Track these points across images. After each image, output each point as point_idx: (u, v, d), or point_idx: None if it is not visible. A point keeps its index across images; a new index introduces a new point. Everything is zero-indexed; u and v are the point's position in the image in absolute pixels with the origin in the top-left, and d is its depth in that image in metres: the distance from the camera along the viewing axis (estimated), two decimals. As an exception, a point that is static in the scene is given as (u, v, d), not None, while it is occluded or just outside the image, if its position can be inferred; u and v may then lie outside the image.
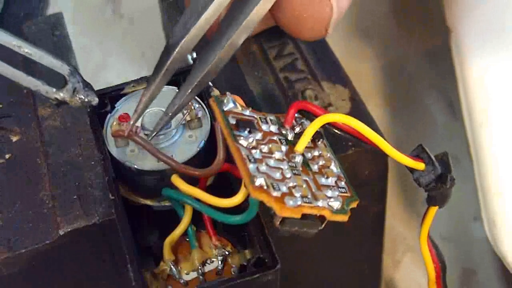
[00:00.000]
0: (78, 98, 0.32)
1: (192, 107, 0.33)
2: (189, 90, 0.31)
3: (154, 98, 0.31)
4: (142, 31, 0.57)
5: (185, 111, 0.33)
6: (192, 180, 0.31)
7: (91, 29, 0.57)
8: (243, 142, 0.28)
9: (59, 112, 0.35)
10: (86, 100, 0.32)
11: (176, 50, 0.30)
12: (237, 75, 0.38)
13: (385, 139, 0.29)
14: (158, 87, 0.31)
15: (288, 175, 0.27)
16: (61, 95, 0.32)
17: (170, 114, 0.31)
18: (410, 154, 0.30)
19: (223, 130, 0.28)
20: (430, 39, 0.57)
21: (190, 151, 0.32)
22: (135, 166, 0.31)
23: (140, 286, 0.29)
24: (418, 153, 0.30)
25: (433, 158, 0.29)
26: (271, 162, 0.27)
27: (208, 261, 0.31)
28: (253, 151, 0.27)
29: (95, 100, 0.32)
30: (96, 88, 0.35)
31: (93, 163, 0.33)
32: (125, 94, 0.34)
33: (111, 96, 0.34)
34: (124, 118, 0.32)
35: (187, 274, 0.31)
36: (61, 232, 0.31)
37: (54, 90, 0.32)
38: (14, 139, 0.35)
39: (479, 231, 0.43)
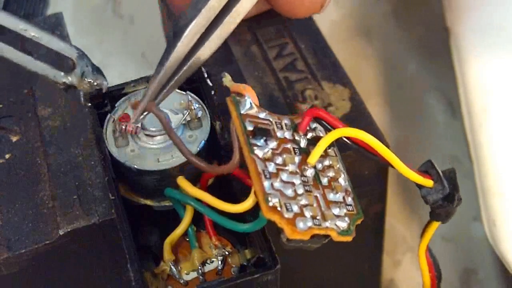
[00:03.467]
0: (87, 82, 0.32)
1: (192, 107, 0.33)
2: (179, 74, 0.31)
3: (166, 82, 0.31)
4: (142, 31, 0.57)
5: (185, 111, 0.33)
6: (192, 180, 0.31)
7: (91, 29, 0.57)
8: (258, 152, 0.27)
9: (59, 112, 0.35)
10: (95, 83, 0.31)
11: (187, 31, 0.30)
12: (237, 75, 0.38)
13: (395, 154, 0.29)
14: (169, 70, 0.30)
15: (300, 191, 0.27)
16: (69, 79, 0.32)
17: (157, 99, 0.31)
18: (418, 169, 0.30)
19: (239, 137, 0.28)
20: (430, 39, 0.57)
21: (190, 151, 0.32)
22: (135, 166, 0.31)
23: (140, 286, 0.29)
24: (427, 169, 0.30)
25: (442, 176, 0.29)
26: (285, 176, 0.27)
27: (208, 261, 0.31)
28: (268, 163, 0.27)
29: (104, 84, 0.32)
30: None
31: (93, 163, 0.33)
32: (125, 94, 0.34)
33: (111, 96, 0.34)
34: (124, 118, 0.32)
35: (187, 274, 0.31)
36: (61, 232, 0.31)
37: (62, 74, 0.32)
38: (14, 139, 0.35)
39: (479, 231, 0.43)
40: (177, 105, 0.33)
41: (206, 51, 0.31)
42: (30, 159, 0.34)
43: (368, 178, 0.36)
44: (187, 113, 0.32)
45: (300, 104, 0.36)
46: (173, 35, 0.30)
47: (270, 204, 0.26)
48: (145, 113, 0.31)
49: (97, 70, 0.32)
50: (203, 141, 0.32)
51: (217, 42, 0.31)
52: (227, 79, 0.31)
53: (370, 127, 0.35)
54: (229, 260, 0.31)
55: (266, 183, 0.27)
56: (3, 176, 0.33)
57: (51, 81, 0.32)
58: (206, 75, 0.35)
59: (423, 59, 0.57)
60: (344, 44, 0.57)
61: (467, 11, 0.45)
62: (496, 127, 0.41)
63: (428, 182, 0.29)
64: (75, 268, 0.33)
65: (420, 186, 0.30)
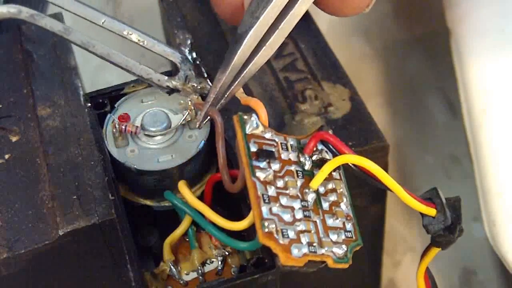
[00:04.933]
0: (190, 86, 0.32)
1: (192, 107, 0.33)
2: (239, 79, 0.31)
3: (227, 88, 0.31)
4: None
5: (185, 111, 0.33)
6: (192, 179, 0.31)
7: (91, 29, 0.57)
8: (260, 174, 0.27)
9: (59, 112, 0.35)
10: (198, 87, 0.32)
11: (246, 38, 0.30)
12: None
13: (399, 181, 0.29)
14: (230, 76, 0.31)
15: (299, 216, 0.28)
16: (173, 83, 0.33)
17: (222, 102, 0.31)
18: (423, 196, 0.30)
19: (242, 158, 0.28)
20: (430, 40, 0.57)
21: (190, 151, 0.32)
22: (135, 166, 0.31)
23: (140, 286, 0.29)
24: (432, 196, 0.30)
25: (445, 206, 0.29)
26: (284, 201, 0.27)
27: (208, 261, 0.31)
28: (268, 187, 0.27)
29: (207, 88, 0.32)
30: (96, 88, 0.35)
31: (92, 163, 0.33)
32: (125, 94, 0.34)
33: (111, 96, 0.34)
34: (124, 118, 0.32)
35: (187, 274, 0.31)
36: (60, 232, 0.31)
37: (166, 78, 0.33)
38: (14, 139, 0.35)
39: (479, 231, 0.43)
40: (177, 105, 0.33)
41: (264, 56, 0.31)
42: (30, 159, 0.34)
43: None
44: (187, 113, 0.32)
45: (299, 104, 0.36)
46: (232, 43, 0.31)
47: (266, 230, 0.26)
48: (207, 118, 0.32)
49: (199, 74, 0.33)
50: (203, 141, 0.32)
51: (275, 46, 0.31)
52: (238, 92, 0.31)
53: (370, 127, 0.35)
54: (229, 260, 0.31)
55: (264, 208, 0.27)
56: (3, 176, 0.33)
57: (155, 85, 0.33)
58: (206, 75, 0.35)
59: (423, 59, 0.57)
60: (344, 44, 0.57)
61: (467, 11, 0.45)
62: (496, 127, 0.40)
63: (431, 211, 0.29)
64: (75, 268, 0.33)
65: (422, 214, 0.30)
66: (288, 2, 0.31)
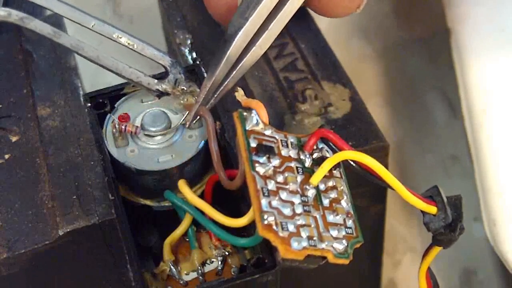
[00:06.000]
0: (180, 89, 0.32)
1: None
2: (228, 79, 0.32)
3: (217, 87, 0.31)
4: (142, 31, 0.57)
5: (185, 111, 0.33)
6: (192, 179, 0.31)
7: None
8: (259, 169, 0.28)
9: (59, 112, 0.35)
10: (188, 90, 0.32)
11: (236, 39, 0.31)
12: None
13: (400, 181, 0.29)
14: (220, 75, 0.31)
15: (299, 211, 0.28)
16: (163, 86, 0.33)
17: (212, 101, 0.32)
18: (423, 194, 0.30)
19: (242, 152, 0.28)
20: (430, 40, 0.57)
21: (190, 151, 0.32)
22: (135, 166, 0.31)
23: (140, 286, 0.29)
24: (432, 194, 0.30)
25: (446, 204, 0.29)
26: (284, 195, 0.27)
27: (208, 262, 0.31)
28: (268, 181, 0.27)
29: (196, 91, 0.33)
30: (96, 88, 0.35)
31: (92, 163, 0.33)
32: (125, 94, 0.34)
33: (111, 96, 0.34)
34: (124, 118, 0.32)
35: (187, 274, 0.31)
36: (60, 232, 0.31)
37: (156, 81, 0.33)
38: (14, 139, 0.35)
39: (479, 231, 0.43)
40: (177, 105, 0.33)
41: (253, 56, 0.32)
42: (30, 159, 0.34)
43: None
44: (187, 113, 0.32)
45: (300, 104, 0.36)
46: (222, 43, 0.31)
47: (265, 222, 0.26)
48: (197, 118, 0.32)
49: (189, 77, 0.33)
50: (203, 141, 0.32)
51: (264, 46, 0.32)
52: (239, 94, 0.31)
53: (370, 127, 0.35)
54: (229, 260, 0.31)
55: (264, 201, 0.27)
56: (3, 176, 0.33)
57: (144, 88, 0.33)
58: (206, 75, 0.35)
59: (423, 59, 0.57)
60: (344, 44, 0.57)
61: (468, 11, 0.45)
62: (496, 127, 0.40)
63: (432, 209, 0.29)
64: (75, 268, 0.33)
65: (423, 212, 0.29)
66: (277, 3, 0.31)
